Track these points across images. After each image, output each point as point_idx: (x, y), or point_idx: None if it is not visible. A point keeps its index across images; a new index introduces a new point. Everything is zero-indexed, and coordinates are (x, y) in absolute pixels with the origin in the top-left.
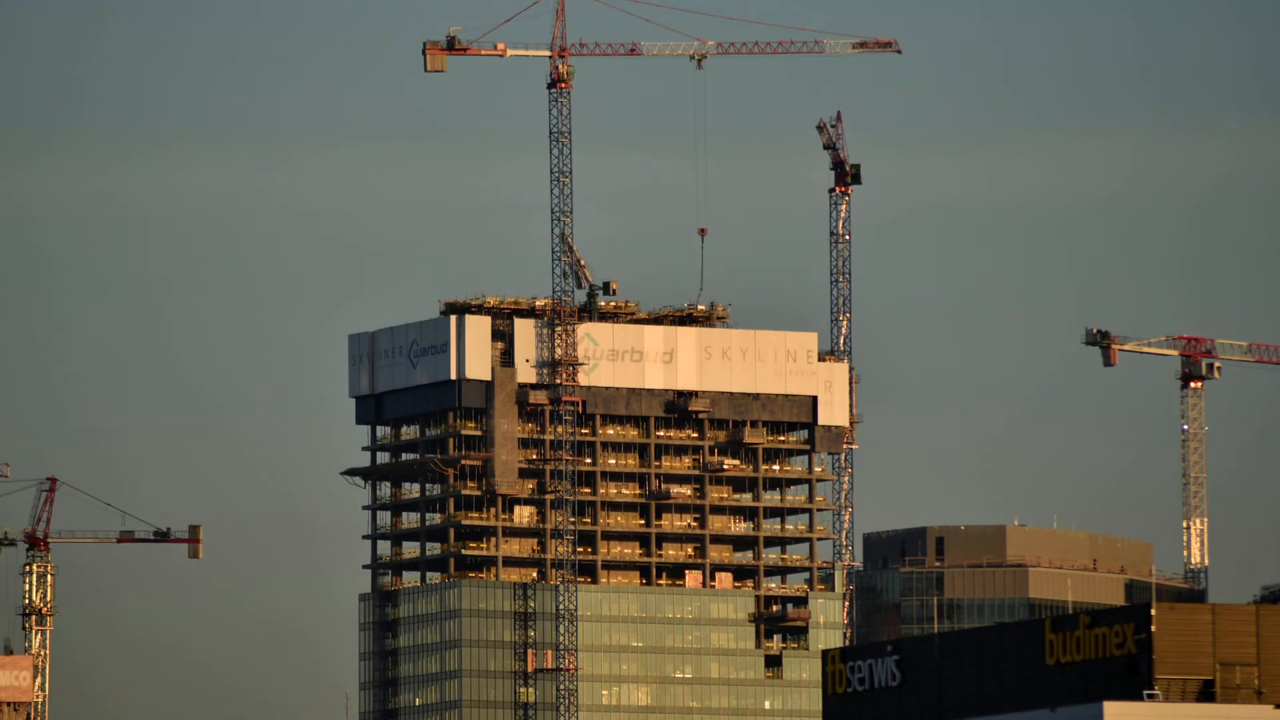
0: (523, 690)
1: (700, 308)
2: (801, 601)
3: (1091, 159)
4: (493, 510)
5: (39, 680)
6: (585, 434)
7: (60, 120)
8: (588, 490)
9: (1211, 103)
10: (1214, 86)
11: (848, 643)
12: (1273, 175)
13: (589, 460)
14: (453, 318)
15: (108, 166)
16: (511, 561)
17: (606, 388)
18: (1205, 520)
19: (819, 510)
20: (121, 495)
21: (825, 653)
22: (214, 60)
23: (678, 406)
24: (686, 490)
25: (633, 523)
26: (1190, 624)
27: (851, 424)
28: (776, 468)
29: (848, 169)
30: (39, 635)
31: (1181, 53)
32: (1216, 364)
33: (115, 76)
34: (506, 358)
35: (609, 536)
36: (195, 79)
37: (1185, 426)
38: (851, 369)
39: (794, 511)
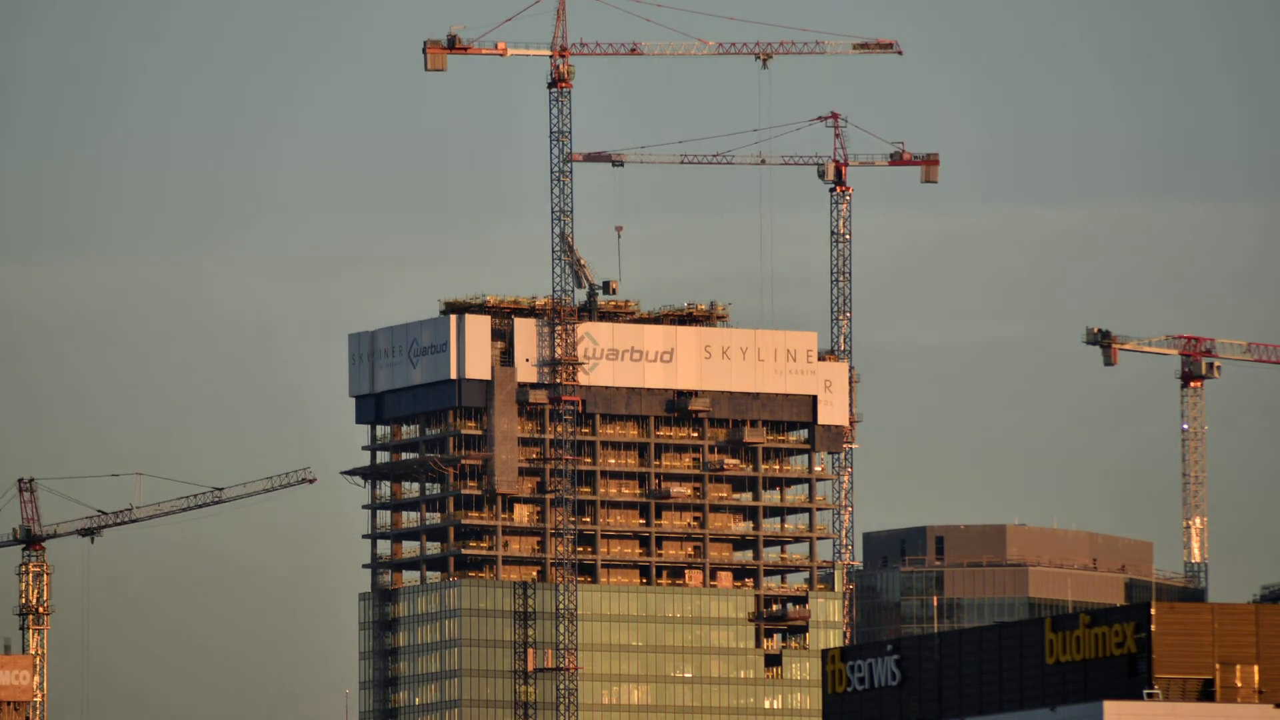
0: (522, 689)
1: (700, 307)
2: (801, 601)
3: (1090, 158)
4: (492, 509)
5: (38, 680)
6: (585, 433)
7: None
8: (587, 489)
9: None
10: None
11: (847, 642)
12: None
13: (589, 459)
14: (453, 317)
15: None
16: (511, 560)
17: (606, 387)
18: (1205, 519)
19: (819, 509)
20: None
21: (825, 652)
22: (212, 56)
23: (678, 406)
24: (686, 489)
25: (633, 522)
26: (1190, 623)
27: (851, 424)
28: (776, 467)
29: (845, 170)
30: (37, 635)
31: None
32: (1216, 364)
33: (133, 69)
34: (506, 357)
35: (609, 536)
36: (196, 78)
37: (1185, 426)
38: (851, 369)
39: (794, 511)
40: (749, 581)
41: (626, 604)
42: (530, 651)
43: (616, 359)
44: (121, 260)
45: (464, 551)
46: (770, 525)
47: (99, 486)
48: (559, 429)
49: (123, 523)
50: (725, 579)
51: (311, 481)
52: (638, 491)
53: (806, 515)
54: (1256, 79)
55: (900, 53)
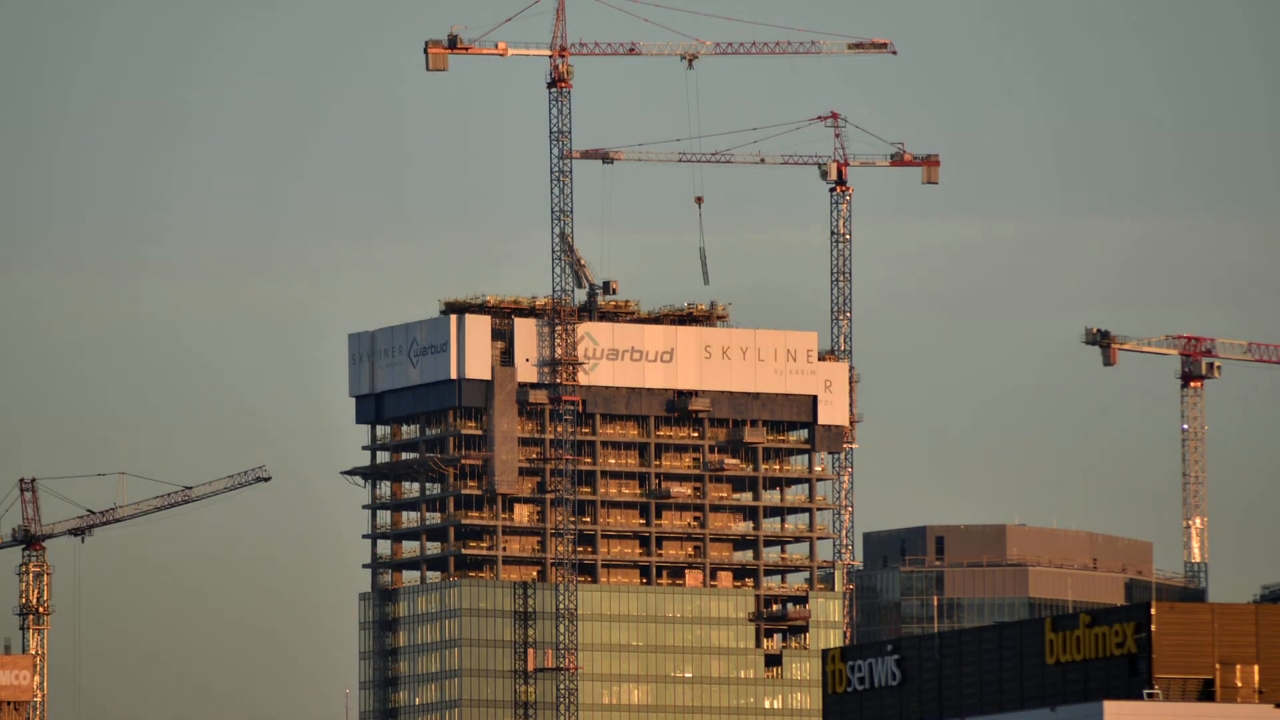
0: (523, 689)
1: (700, 307)
2: (801, 601)
3: (1090, 158)
4: (492, 509)
5: (38, 680)
6: (585, 433)
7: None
8: (588, 489)
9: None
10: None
11: (848, 642)
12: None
13: (589, 459)
14: (453, 317)
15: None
16: (511, 560)
17: (606, 387)
18: (1205, 519)
19: (819, 509)
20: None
21: (825, 652)
22: (213, 53)
23: (678, 406)
24: (686, 489)
25: (633, 522)
26: (1190, 623)
27: (851, 424)
28: (777, 467)
29: (845, 171)
30: (37, 635)
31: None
32: (1216, 364)
33: (121, 55)
34: (506, 357)
35: (609, 536)
36: (197, 76)
37: (1185, 426)
38: (851, 369)
39: (794, 511)
40: (749, 581)
41: (626, 604)
42: (530, 651)
43: (616, 359)
44: (122, 259)
45: (464, 551)
46: (770, 525)
47: (85, 486)
48: (559, 429)
49: (109, 522)
50: (725, 579)
51: (266, 479)
52: (638, 491)
53: (806, 515)
54: (1258, 77)
55: (895, 52)
